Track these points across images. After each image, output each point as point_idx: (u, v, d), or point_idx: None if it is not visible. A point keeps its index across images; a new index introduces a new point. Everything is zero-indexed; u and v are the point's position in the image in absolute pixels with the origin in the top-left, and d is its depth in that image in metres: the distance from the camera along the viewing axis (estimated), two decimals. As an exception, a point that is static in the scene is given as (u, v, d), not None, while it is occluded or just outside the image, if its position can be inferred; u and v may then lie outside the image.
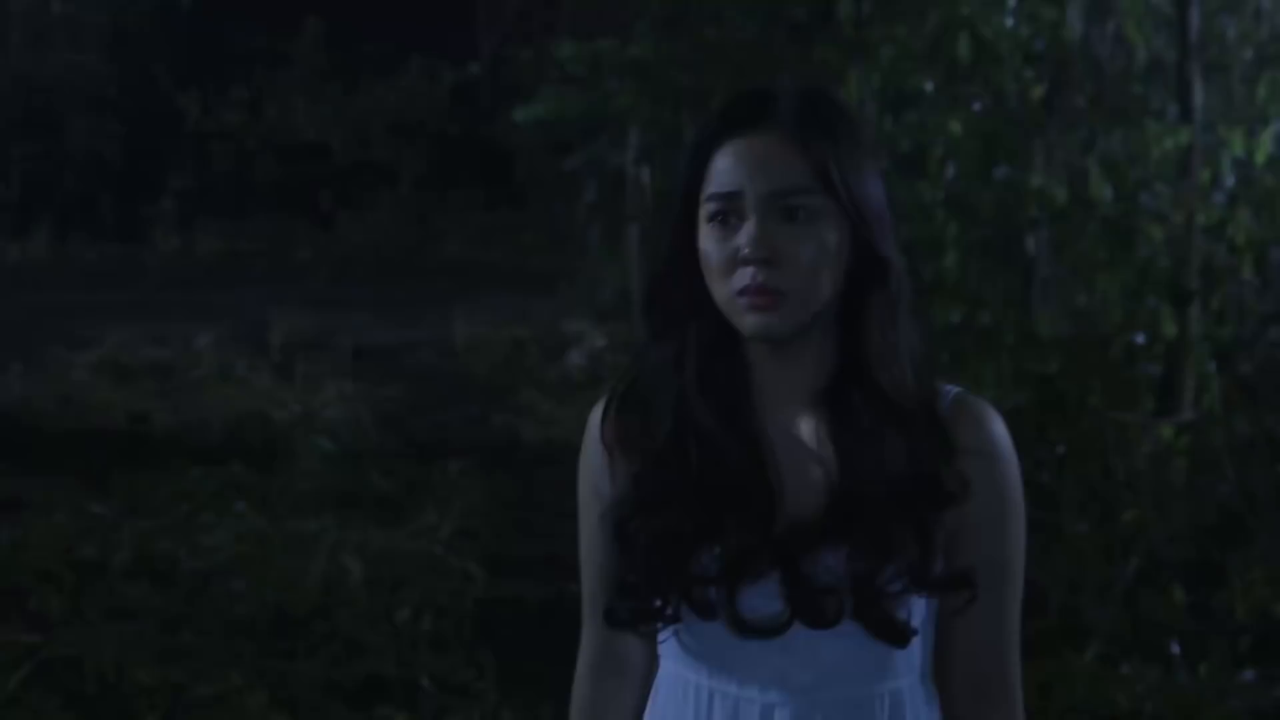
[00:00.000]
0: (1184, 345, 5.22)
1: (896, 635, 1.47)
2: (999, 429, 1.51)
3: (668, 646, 1.57)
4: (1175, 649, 4.29)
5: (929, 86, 5.72)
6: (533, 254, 15.18)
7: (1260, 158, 5.76)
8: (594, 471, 1.59)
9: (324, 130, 15.64)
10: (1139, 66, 6.59)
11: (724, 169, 1.46)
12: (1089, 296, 5.50)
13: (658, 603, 1.50)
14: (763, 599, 1.47)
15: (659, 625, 1.53)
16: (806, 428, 1.51)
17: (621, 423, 1.55)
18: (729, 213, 1.46)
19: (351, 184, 15.44)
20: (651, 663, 1.62)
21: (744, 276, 1.44)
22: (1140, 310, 5.36)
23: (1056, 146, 5.80)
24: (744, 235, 1.44)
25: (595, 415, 1.60)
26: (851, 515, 1.46)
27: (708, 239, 1.47)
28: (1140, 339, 5.51)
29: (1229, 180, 5.71)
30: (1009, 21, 5.49)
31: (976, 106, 5.75)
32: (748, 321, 1.45)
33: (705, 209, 1.47)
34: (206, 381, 8.43)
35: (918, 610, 1.49)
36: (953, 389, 1.53)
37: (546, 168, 14.43)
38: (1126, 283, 5.57)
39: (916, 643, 1.51)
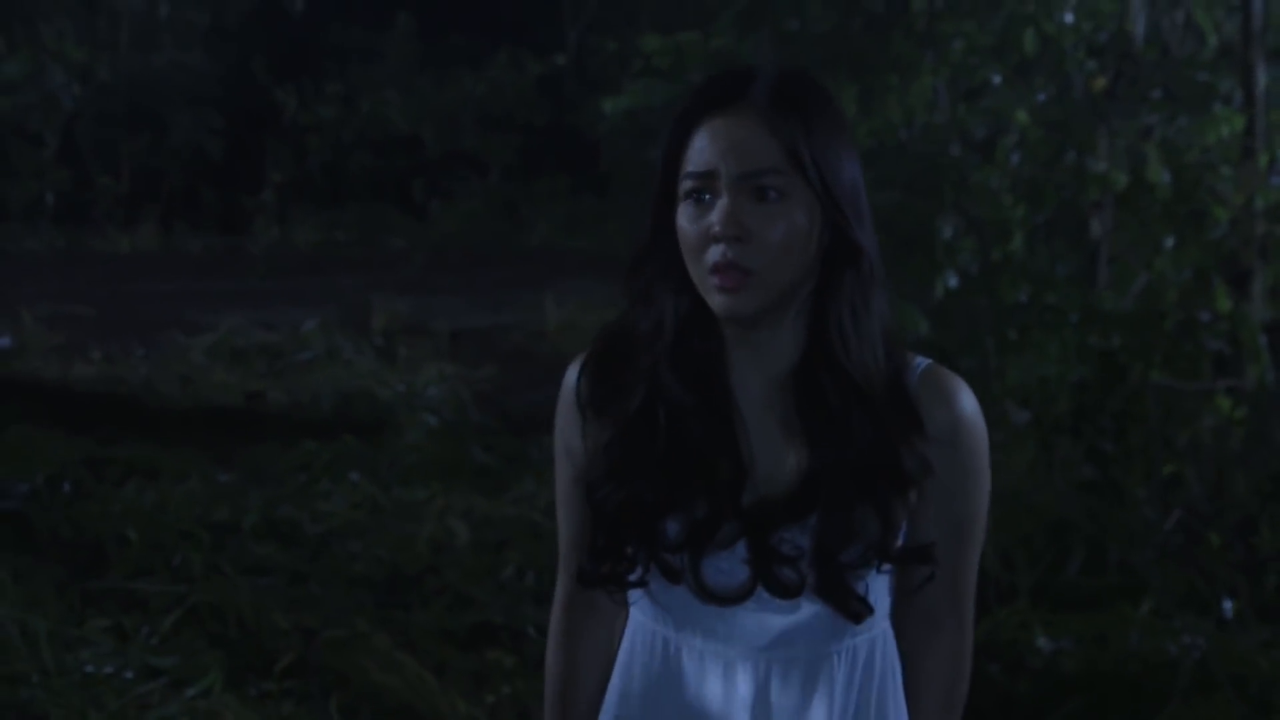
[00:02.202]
0: (1240, 321, 5.48)
1: (855, 612, 1.52)
2: (966, 401, 1.54)
3: (637, 596, 1.61)
4: (1227, 605, 4.58)
5: (996, 79, 6.02)
6: (617, 240, 15.53)
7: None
8: (568, 430, 1.61)
9: (416, 122, 16.03)
10: (1209, 52, 6.80)
11: (700, 148, 1.49)
12: (1148, 275, 5.77)
13: (625, 567, 1.55)
14: (727, 567, 1.51)
15: (627, 588, 1.57)
16: (777, 406, 1.53)
17: (596, 386, 1.57)
18: (704, 191, 1.48)
19: (442, 174, 15.85)
20: (622, 604, 1.65)
21: (715, 253, 1.47)
22: (1199, 288, 5.62)
23: (1120, 133, 6.06)
24: (716, 213, 1.47)
25: (571, 375, 1.61)
26: (817, 495, 1.49)
27: (684, 216, 1.50)
28: (1205, 317, 5.77)
29: (1285, 164, 5.94)
30: (1068, 18, 5.76)
31: (1042, 97, 6.04)
32: (716, 301, 1.48)
33: (682, 186, 1.50)
34: (315, 363, 8.87)
35: (876, 585, 1.54)
36: (923, 361, 1.56)
37: (629, 156, 14.75)
38: (1194, 261, 5.82)
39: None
